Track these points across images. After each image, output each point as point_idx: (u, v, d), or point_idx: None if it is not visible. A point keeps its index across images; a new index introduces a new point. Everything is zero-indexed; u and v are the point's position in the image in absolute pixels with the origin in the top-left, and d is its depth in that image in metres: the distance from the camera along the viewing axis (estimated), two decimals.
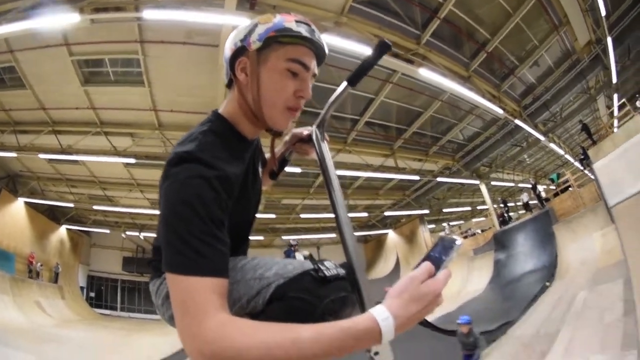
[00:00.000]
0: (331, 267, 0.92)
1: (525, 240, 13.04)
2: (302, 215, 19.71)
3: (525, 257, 12.54)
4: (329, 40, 7.25)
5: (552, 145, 16.48)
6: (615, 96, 14.75)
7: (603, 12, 8.92)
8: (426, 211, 20.68)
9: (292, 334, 0.63)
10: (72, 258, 20.77)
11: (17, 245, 15.98)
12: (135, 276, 22.95)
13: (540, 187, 16.36)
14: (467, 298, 12.06)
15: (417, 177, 15.45)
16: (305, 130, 1.24)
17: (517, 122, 12.39)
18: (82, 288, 21.34)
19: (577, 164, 18.35)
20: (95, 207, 17.45)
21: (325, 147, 1.11)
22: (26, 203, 16.85)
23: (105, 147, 12.09)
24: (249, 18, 6.11)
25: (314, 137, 1.12)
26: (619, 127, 14.35)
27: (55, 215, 19.36)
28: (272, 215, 18.83)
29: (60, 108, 11.13)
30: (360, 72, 1.02)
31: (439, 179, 16.45)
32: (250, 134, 1.00)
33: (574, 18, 9.29)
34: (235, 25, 7.08)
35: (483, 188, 17.96)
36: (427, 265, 0.71)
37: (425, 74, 8.57)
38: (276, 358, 0.61)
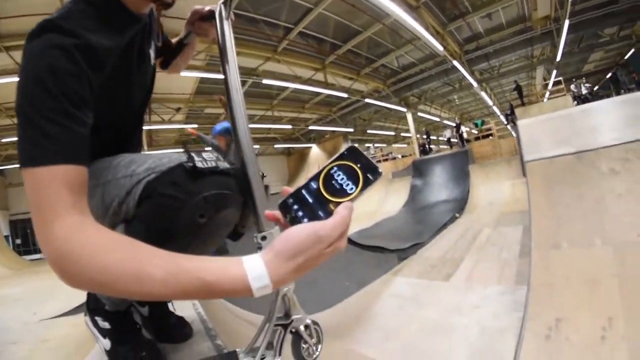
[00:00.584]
0: (210, 158, 0.80)
1: (441, 172, 13.79)
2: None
3: (439, 187, 13.33)
4: None
5: (483, 94, 17.42)
6: (554, 72, 15.89)
7: None
8: (351, 129, 20.93)
9: (143, 267, 0.52)
10: None
11: None
12: None
13: (463, 128, 17.48)
14: (383, 217, 12.30)
15: (345, 95, 15.14)
16: (207, 7, 1.03)
17: (455, 63, 12.51)
18: (6, 237, 18.91)
19: (502, 117, 20.03)
20: (3, 141, 15.04)
21: (228, 28, 0.91)
22: None
23: (7, 65, 9.94)
24: None
25: (217, 14, 0.91)
26: (548, 99, 15.90)
27: None
28: (194, 125, 16.44)
29: None
30: None
31: (367, 100, 16.35)
32: (137, 7, 0.83)
33: None
34: None
35: (409, 117, 18.48)
36: (344, 221, 0.56)
37: None
38: (118, 290, 0.52)
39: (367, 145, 26.74)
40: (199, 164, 0.77)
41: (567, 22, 10.47)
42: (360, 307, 4.25)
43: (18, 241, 20.20)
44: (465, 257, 6.40)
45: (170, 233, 0.74)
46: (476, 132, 17.26)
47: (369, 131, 24.36)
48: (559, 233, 4.55)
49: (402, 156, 20.28)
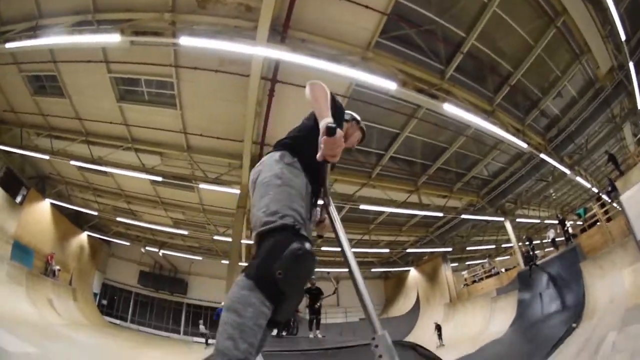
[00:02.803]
0: None
1: (550, 279, 12.47)
2: (324, 248, 19.09)
3: (550, 296, 11.98)
4: (356, 74, 7.50)
5: (579, 179, 15.73)
6: None
7: (623, 37, 8.69)
8: (449, 249, 20.17)
9: None
10: (89, 263, 21.29)
11: (38, 243, 16.49)
12: (150, 291, 23.35)
13: (567, 223, 15.59)
14: (488, 340, 11.57)
15: (440, 214, 15.05)
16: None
17: (542, 156, 12.03)
18: (95, 294, 21.81)
19: (604, 196, 17.69)
20: (118, 219, 17.91)
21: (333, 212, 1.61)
22: (52, 204, 17.50)
23: (134, 162, 12.60)
24: (279, 50, 6.46)
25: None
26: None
27: (79, 221, 19.99)
28: None
29: (95, 120, 11.75)
30: None
31: (463, 216, 15.97)
32: None
33: (595, 45, 9.14)
34: (263, 54, 7.49)
35: (508, 225, 17.23)
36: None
37: (450, 109, 8.59)
38: None
39: (467, 263, 25.10)
40: None
41: (631, 63, 9.57)
42: None
43: (104, 302, 22.55)
44: None
45: None
46: (581, 223, 15.08)
47: (468, 248, 23.29)
48: None
49: (506, 269, 18.58)
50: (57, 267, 17.48)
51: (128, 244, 21.75)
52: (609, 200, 13.58)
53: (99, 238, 21.47)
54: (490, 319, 13.80)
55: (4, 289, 12.15)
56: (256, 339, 1.22)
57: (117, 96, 10.52)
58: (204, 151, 11.87)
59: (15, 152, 13.56)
